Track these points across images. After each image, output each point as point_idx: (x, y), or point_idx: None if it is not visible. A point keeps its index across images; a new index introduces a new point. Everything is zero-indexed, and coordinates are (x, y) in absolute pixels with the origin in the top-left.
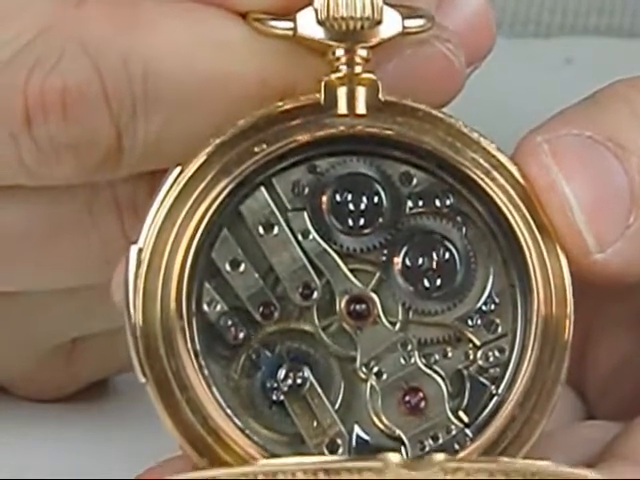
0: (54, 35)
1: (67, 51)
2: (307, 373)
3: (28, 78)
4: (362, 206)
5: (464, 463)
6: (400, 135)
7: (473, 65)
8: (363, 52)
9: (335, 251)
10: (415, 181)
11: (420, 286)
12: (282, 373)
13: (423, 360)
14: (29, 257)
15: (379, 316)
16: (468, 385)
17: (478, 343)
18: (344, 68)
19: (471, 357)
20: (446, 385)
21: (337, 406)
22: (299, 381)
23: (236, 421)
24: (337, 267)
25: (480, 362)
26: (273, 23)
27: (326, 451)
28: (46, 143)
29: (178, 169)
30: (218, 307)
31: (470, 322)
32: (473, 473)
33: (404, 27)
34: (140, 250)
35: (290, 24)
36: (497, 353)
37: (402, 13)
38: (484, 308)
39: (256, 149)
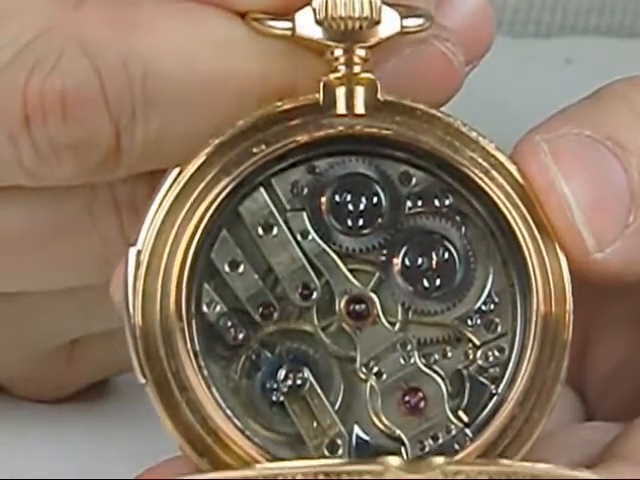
0: (53, 36)
1: (66, 52)
2: (307, 373)
3: (27, 79)
4: (361, 206)
5: (464, 466)
6: (399, 135)
7: (471, 64)
8: (362, 52)
9: (334, 251)
10: (414, 181)
11: (419, 286)
12: (282, 374)
13: (423, 360)
14: (29, 257)
15: (378, 316)
16: (468, 385)
17: (478, 343)
18: (343, 68)
19: (471, 357)
20: (446, 385)
21: (337, 406)
22: (299, 381)
23: (236, 422)
24: (336, 267)
25: (480, 362)
26: (272, 23)
27: (326, 451)
28: (45, 144)
29: (177, 169)
30: (217, 308)
31: (470, 322)
32: (473, 476)
33: (403, 26)
34: (139, 251)
35: (289, 24)
36: (497, 353)
37: (400, 12)
38: (483, 308)
39: (255, 149)
